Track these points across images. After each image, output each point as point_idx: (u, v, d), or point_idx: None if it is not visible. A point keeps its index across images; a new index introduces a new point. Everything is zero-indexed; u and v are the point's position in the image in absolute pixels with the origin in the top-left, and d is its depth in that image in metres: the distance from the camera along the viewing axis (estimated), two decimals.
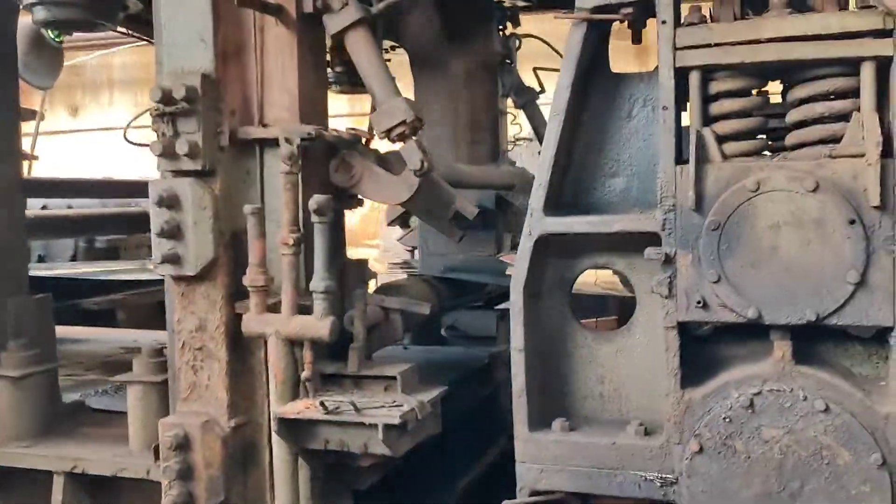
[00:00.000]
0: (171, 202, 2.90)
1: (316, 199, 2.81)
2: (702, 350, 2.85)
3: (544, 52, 5.72)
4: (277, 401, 2.90)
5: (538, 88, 5.66)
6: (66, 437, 3.49)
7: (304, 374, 2.89)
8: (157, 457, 3.14)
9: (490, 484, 4.43)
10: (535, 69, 5.63)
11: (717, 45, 2.56)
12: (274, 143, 2.99)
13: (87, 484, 3.32)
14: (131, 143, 5.40)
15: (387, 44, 5.73)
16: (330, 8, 2.99)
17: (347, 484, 3.18)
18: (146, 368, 3.27)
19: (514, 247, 6.22)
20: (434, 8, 5.37)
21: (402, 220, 7.40)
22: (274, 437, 2.94)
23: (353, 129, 3.13)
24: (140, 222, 7.15)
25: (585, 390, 2.96)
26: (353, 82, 5.84)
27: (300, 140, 2.85)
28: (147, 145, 6.16)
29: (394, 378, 2.94)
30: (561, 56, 5.60)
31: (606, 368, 2.93)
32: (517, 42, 5.47)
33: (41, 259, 7.94)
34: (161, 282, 5.42)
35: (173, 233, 2.90)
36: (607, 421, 2.92)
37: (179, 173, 2.93)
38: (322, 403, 2.74)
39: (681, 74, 2.62)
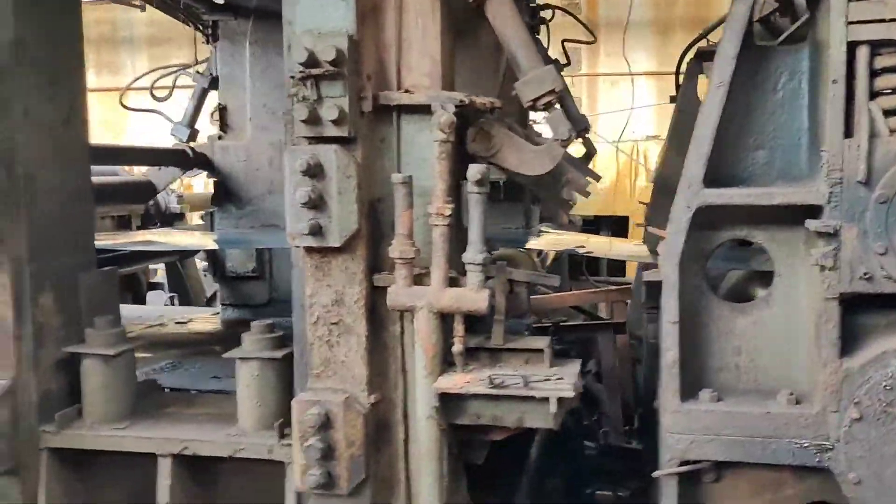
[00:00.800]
0: (315, 171, 2.75)
1: (477, 170, 2.73)
2: None
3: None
4: (427, 376, 2.81)
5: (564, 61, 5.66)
6: (158, 417, 3.29)
7: (457, 348, 2.82)
8: (281, 435, 3.02)
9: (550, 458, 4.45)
10: (563, 41, 5.61)
11: (891, 20, 2.60)
12: (415, 109, 2.89)
13: (191, 466, 3.15)
14: (128, 108, 5.10)
15: None
16: None
17: (467, 459, 3.13)
18: (261, 344, 3.12)
19: (543, 220, 6.26)
20: None
21: None
22: (418, 413, 2.86)
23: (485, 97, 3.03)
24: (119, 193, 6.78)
25: (722, 362, 2.99)
26: None
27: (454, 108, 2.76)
28: (149, 110, 5.82)
29: (539, 350, 2.91)
30: (587, 28, 5.61)
31: (743, 340, 2.97)
32: (551, 13, 5.43)
33: None
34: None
35: (316, 203, 2.76)
36: (744, 391, 2.96)
37: (322, 140, 2.78)
38: (490, 378, 2.68)
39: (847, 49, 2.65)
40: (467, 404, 2.82)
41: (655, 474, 2.88)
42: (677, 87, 4.13)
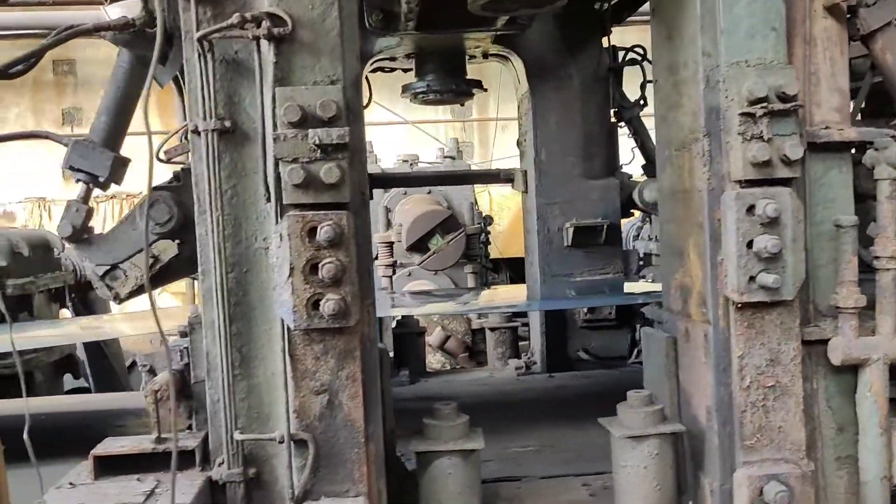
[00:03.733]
0: (768, 216, 2.47)
1: None
2: None
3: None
4: (882, 434, 2.59)
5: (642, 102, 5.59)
6: None
7: None
8: None
9: None
10: (643, 83, 5.55)
11: None
12: (826, 147, 2.69)
13: None
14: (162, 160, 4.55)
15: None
16: (864, 1, 2.76)
17: None
18: (652, 418, 2.73)
19: (646, 263, 6.11)
20: (553, 19, 5.15)
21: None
22: (869, 475, 2.62)
23: None
24: None
25: None
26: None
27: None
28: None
29: None
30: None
31: None
32: (625, 53, 5.35)
33: None
34: None
35: (774, 252, 2.47)
36: None
37: (769, 183, 2.51)
38: None
39: None
40: None
41: None
42: None
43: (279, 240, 2.41)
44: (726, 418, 2.64)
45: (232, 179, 2.55)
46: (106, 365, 8.53)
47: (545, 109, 5.27)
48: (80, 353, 7.95)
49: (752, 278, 2.51)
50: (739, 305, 2.56)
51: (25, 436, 1.79)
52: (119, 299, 3.11)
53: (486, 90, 5.62)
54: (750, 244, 2.49)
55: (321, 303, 2.36)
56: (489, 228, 10.46)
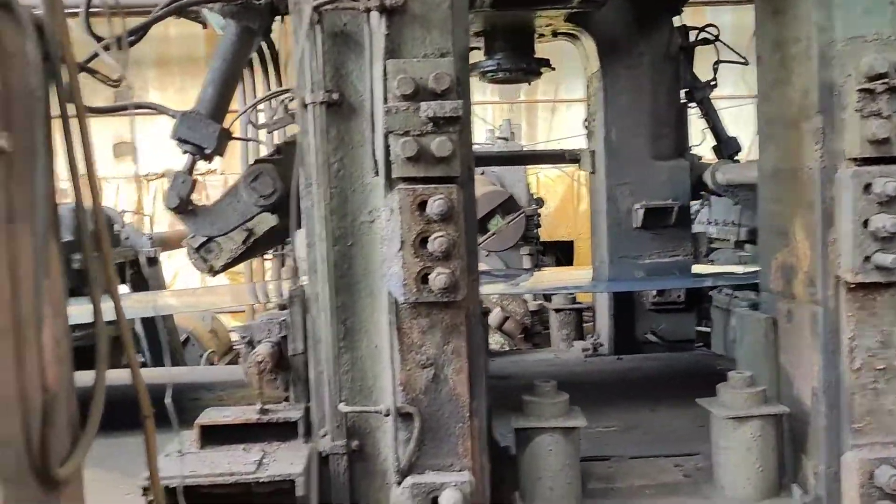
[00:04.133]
0: (888, 195, 2.41)
1: None
2: None
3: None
4: None
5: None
6: (611, 497, 2.77)
7: None
8: None
9: None
10: (716, 63, 5.47)
11: None
12: None
13: None
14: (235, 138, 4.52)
15: None
16: None
17: None
18: (754, 399, 2.69)
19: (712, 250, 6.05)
20: None
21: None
22: None
23: None
24: None
25: None
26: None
27: None
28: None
29: None
30: (729, 48, 5.52)
31: None
32: (697, 33, 5.27)
33: None
34: None
35: (893, 232, 2.42)
36: None
37: (888, 161, 2.45)
38: None
39: None
40: None
41: None
42: None
43: (389, 213, 2.40)
44: (833, 401, 2.60)
45: (339, 152, 2.54)
46: (162, 339, 8.68)
47: (616, 89, 5.20)
48: (138, 328, 8.07)
49: (867, 258, 2.46)
50: (852, 286, 2.51)
51: (168, 400, 1.82)
52: (213, 272, 3.13)
53: (553, 69, 5.56)
54: (865, 223, 2.44)
55: (430, 276, 2.35)
56: (539, 211, 10.44)
